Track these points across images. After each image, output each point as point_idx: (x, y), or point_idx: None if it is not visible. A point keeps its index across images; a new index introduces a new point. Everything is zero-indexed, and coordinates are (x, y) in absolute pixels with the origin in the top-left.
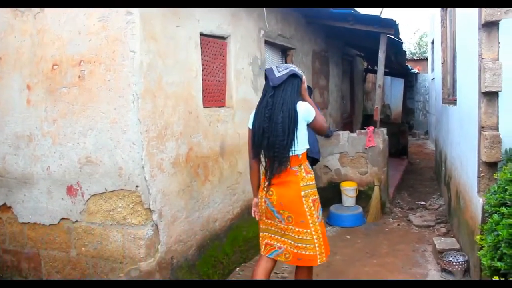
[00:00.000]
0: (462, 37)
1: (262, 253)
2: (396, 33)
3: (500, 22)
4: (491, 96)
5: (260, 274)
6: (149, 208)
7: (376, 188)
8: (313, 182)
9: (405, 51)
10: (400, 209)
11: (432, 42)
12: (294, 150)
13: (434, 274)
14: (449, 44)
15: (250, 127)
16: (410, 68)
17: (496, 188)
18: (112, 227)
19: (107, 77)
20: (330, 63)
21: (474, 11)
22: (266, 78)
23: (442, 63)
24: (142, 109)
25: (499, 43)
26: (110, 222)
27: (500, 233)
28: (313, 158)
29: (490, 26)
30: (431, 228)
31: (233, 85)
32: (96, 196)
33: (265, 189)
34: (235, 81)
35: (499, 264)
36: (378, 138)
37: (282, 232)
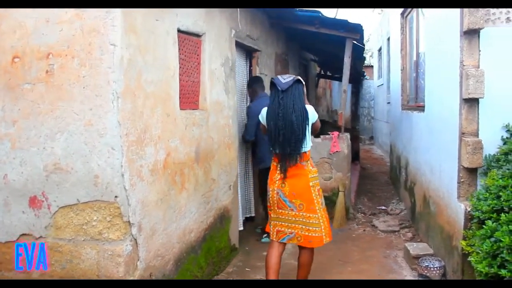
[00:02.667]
0: (434, 45)
1: (273, 239)
2: (361, 38)
3: (481, 31)
4: (471, 103)
5: (274, 256)
6: (129, 221)
7: (341, 194)
8: (317, 175)
9: (365, 57)
10: (363, 214)
11: (379, 50)
12: (305, 147)
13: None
14: (409, 51)
15: (263, 123)
16: (364, 74)
17: (487, 194)
18: (85, 244)
19: (81, 72)
20: (289, 67)
21: (453, 20)
22: (273, 84)
23: (401, 70)
24: (122, 109)
25: (479, 50)
26: (83, 238)
27: (502, 239)
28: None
29: (472, 34)
30: (397, 233)
31: (207, 86)
32: (66, 209)
33: (277, 182)
34: (209, 82)
35: (503, 271)
36: (342, 143)
37: (294, 219)
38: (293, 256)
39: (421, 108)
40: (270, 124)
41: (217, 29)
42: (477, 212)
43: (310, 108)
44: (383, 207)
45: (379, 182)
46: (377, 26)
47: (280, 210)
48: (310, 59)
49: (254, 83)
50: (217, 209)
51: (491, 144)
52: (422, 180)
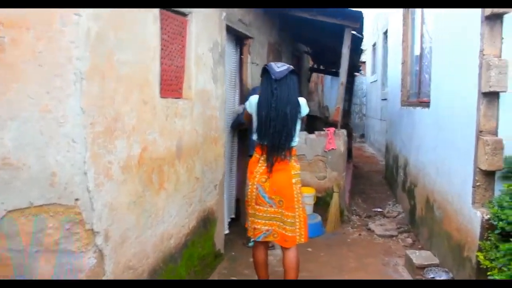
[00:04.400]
0: (445, 34)
1: (251, 236)
2: (360, 28)
3: (504, 16)
4: (491, 97)
5: (260, 255)
6: (92, 229)
7: (336, 195)
8: (300, 171)
9: (362, 49)
10: (358, 216)
11: (374, 45)
12: (294, 141)
13: None
14: (411, 44)
15: (250, 112)
16: (360, 68)
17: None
18: (37, 255)
19: (38, 47)
20: (282, 58)
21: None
22: (265, 71)
23: (402, 63)
24: (87, 93)
25: (502, 38)
26: (35, 249)
27: None
28: None
29: (494, 20)
30: (395, 238)
31: (193, 73)
32: (16, 213)
33: (257, 176)
34: (195, 68)
35: None
36: (338, 140)
37: (271, 215)
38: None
39: (425, 104)
40: (261, 114)
41: (206, 9)
42: (500, 222)
43: (302, 101)
44: (379, 209)
45: (373, 182)
46: (372, 21)
47: (258, 207)
48: (304, 51)
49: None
50: (201, 211)
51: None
52: (424, 182)
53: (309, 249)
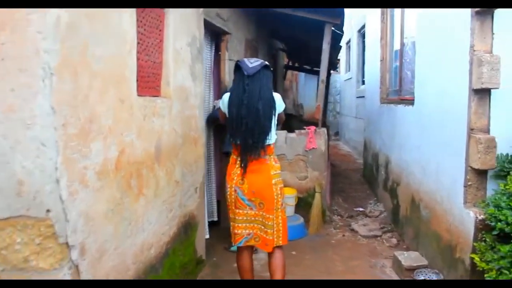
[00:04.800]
0: (431, 30)
1: (232, 242)
2: (340, 24)
3: (495, 11)
4: (482, 94)
5: (245, 259)
6: (67, 243)
7: (318, 195)
8: (280, 171)
9: (341, 46)
10: (339, 217)
11: (348, 42)
12: (269, 139)
13: None
14: (390, 40)
15: (224, 110)
16: (338, 65)
17: (510, 201)
18: (4, 275)
19: None
20: (259, 54)
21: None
22: (238, 68)
23: (381, 60)
24: (57, 91)
25: (493, 33)
26: (1, 267)
27: None
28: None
29: (484, 15)
30: (379, 238)
31: (171, 69)
32: None
33: (235, 178)
34: (173, 64)
35: None
36: (319, 139)
37: (252, 218)
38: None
39: (407, 102)
40: (232, 112)
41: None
42: (499, 223)
43: (277, 96)
44: (361, 209)
45: (351, 180)
46: (346, 18)
47: (238, 210)
48: (279, 48)
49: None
50: (181, 216)
51: (504, 142)
52: (409, 181)
53: (293, 252)
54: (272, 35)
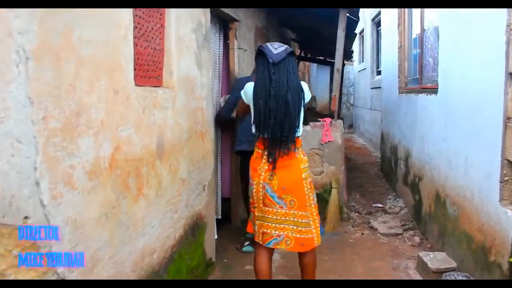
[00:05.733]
0: (458, 10)
1: (259, 242)
2: (356, 10)
3: None
4: None
5: (263, 262)
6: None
7: (334, 191)
8: (308, 165)
9: (356, 34)
10: (357, 213)
11: (361, 32)
12: (298, 131)
13: None
14: (408, 27)
15: (246, 102)
16: (352, 55)
17: None
18: None
19: None
20: None
21: None
22: (261, 54)
23: (398, 48)
24: (35, 79)
25: None
26: None
27: None
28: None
29: None
30: (400, 236)
31: (174, 57)
32: None
33: (263, 174)
34: (177, 51)
35: None
36: (335, 131)
37: (282, 218)
38: (282, 269)
39: (429, 90)
40: (258, 104)
41: None
42: None
43: (305, 86)
44: (380, 205)
45: (368, 174)
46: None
47: (267, 208)
48: (291, 38)
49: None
50: (188, 217)
51: None
52: (432, 175)
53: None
54: (283, 24)
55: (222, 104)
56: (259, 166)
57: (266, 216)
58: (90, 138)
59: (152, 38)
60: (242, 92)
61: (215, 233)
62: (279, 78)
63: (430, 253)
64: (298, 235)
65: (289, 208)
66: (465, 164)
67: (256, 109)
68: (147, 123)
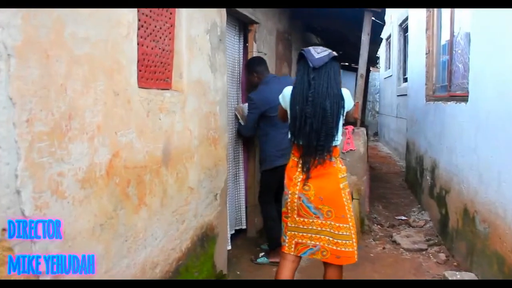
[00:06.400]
0: (493, 12)
1: (291, 252)
2: (382, 13)
3: None
4: None
5: (286, 274)
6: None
7: (355, 202)
8: (347, 174)
9: (382, 39)
10: (379, 226)
11: (387, 38)
12: (336, 140)
13: None
14: (437, 32)
15: (284, 107)
16: (378, 60)
17: None
18: None
19: None
20: (292, 49)
21: None
22: (302, 58)
23: (426, 54)
24: (18, 78)
25: None
26: None
27: None
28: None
29: None
30: (424, 252)
31: (184, 58)
32: None
33: (299, 184)
34: (188, 52)
35: None
36: (358, 140)
37: (318, 228)
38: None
39: (459, 98)
40: (294, 109)
41: None
42: None
43: (346, 93)
44: (403, 217)
45: (392, 185)
46: (386, 12)
47: (301, 219)
48: (314, 43)
49: (257, 65)
50: (197, 228)
51: None
52: (461, 189)
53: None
54: (306, 28)
55: (245, 112)
56: (294, 174)
57: (301, 226)
58: (84, 143)
59: (161, 38)
60: (280, 97)
61: (229, 244)
62: (318, 84)
63: (457, 273)
64: (335, 247)
65: (326, 219)
66: (498, 178)
67: (292, 114)
68: (151, 128)
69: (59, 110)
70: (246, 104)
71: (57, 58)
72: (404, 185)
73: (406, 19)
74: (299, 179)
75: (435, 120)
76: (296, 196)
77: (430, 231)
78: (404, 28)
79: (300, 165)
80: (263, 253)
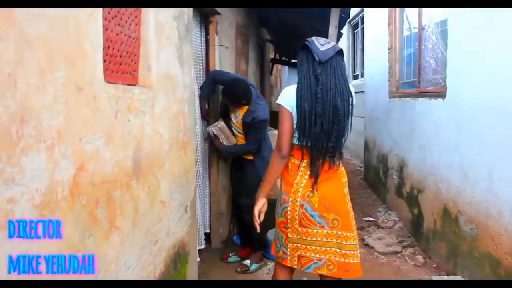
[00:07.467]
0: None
1: (294, 266)
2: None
3: None
4: None
5: (284, 276)
6: None
7: None
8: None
9: (342, 34)
10: None
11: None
12: (344, 142)
13: None
14: (399, 26)
15: (287, 107)
16: None
17: None
18: None
19: None
20: (249, 44)
21: None
22: (306, 50)
23: (389, 49)
24: None
25: None
26: None
27: None
28: None
29: None
30: (400, 254)
31: (153, 48)
32: None
33: (301, 190)
34: (156, 41)
35: None
36: None
37: (324, 239)
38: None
39: (432, 94)
40: (302, 107)
41: None
42: None
43: (352, 90)
44: (371, 219)
45: (352, 184)
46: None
47: (304, 229)
48: (266, 39)
49: (247, 92)
50: (170, 248)
51: None
52: (439, 188)
53: (305, 278)
54: (260, 23)
55: (212, 133)
56: (295, 179)
57: (304, 238)
58: (41, 155)
59: (126, 22)
60: (280, 98)
61: (198, 258)
62: (326, 80)
63: (444, 276)
64: (342, 259)
65: (332, 228)
66: (489, 177)
67: (300, 113)
68: (120, 132)
69: (8, 110)
70: (221, 123)
71: (2, 38)
72: (364, 184)
73: (356, 16)
74: (302, 185)
75: (402, 118)
76: (298, 203)
77: (401, 232)
78: (353, 26)
79: (302, 168)
80: (233, 253)
